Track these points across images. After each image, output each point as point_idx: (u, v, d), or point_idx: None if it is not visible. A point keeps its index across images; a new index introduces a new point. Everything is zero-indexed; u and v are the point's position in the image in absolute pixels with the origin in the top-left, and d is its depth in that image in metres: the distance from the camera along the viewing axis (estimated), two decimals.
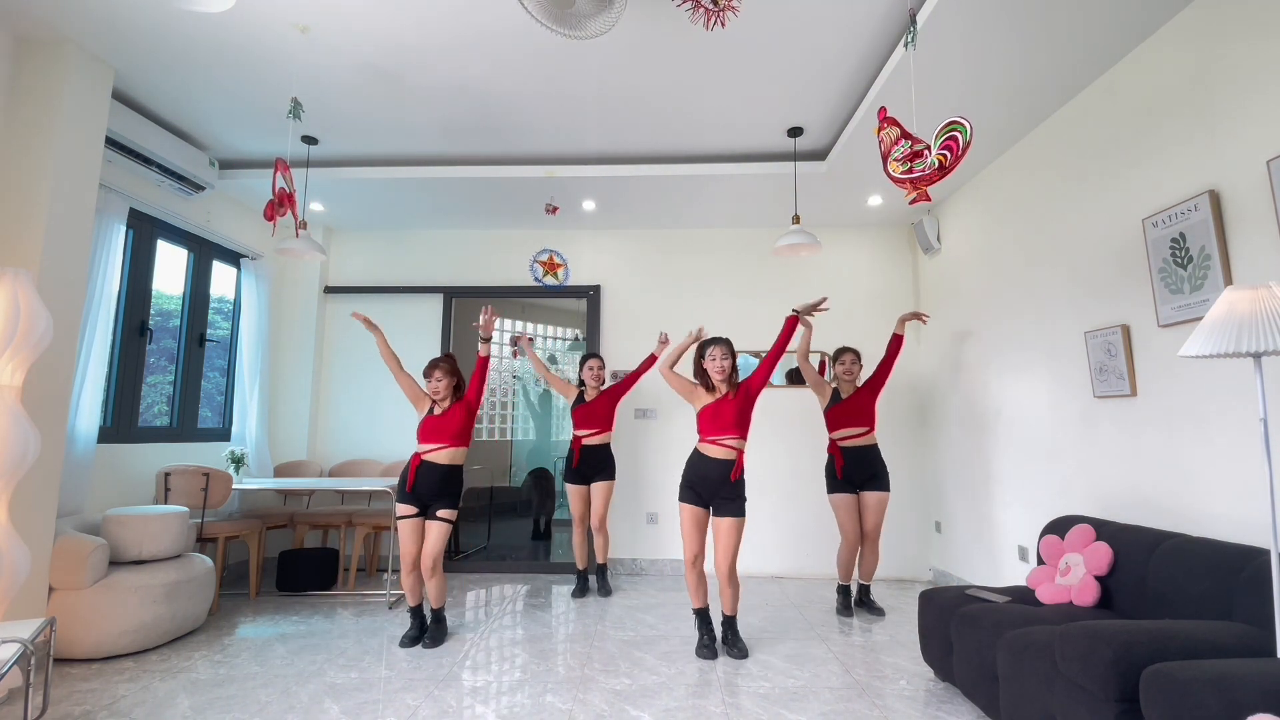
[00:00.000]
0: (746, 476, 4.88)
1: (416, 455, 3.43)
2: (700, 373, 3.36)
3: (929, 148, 2.41)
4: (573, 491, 4.35)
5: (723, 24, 2.53)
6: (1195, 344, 1.82)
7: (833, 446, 4.00)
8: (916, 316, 4.09)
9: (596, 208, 4.89)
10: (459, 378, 3.56)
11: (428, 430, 3.44)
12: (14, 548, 2.46)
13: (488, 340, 3.50)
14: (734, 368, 3.34)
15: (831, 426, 4.02)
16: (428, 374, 3.48)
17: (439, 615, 3.50)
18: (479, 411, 3.54)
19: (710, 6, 2.47)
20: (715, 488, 3.23)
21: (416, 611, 3.46)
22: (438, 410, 3.47)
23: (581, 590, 4.38)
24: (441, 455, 3.41)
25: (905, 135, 2.51)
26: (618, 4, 2.49)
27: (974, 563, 4.25)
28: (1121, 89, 2.92)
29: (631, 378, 4.41)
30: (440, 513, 3.39)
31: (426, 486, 3.39)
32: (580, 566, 4.43)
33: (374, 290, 5.36)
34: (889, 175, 2.54)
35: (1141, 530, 2.56)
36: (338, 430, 5.29)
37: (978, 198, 4.21)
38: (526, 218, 5.15)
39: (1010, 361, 3.84)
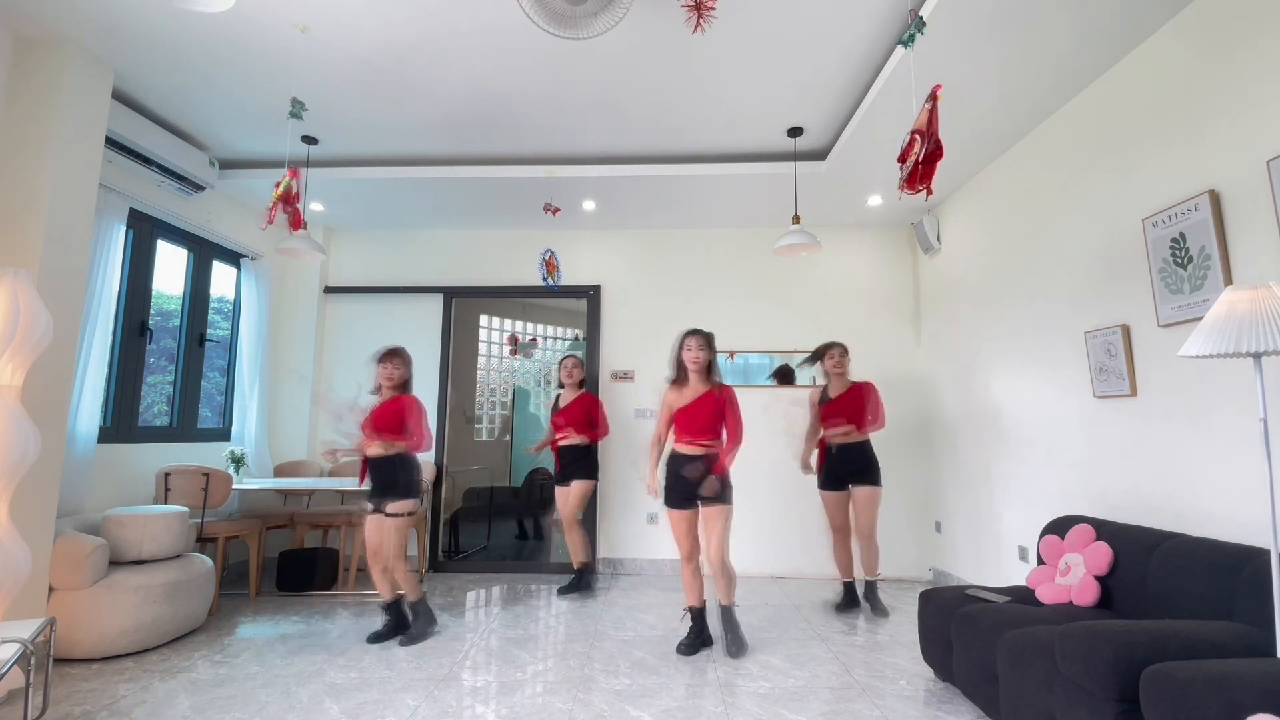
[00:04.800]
0: (748, 475, 4.93)
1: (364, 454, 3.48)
2: (679, 364, 3.36)
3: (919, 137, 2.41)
4: (557, 494, 4.42)
5: (702, 29, 2.51)
6: (1195, 344, 1.82)
7: (820, 443, 4.02)
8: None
9: (596, 208, 4.89)
10: (408, 373, 3.57)
11: (365, 423, 3.46)
12: (14, 548, 2.46)
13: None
14: (711, 363, 3.30)
15: (823, 424, 4.05)
16: (382, 361, 3.48)
17: (396, 605, 3.50)
18: (420, 435, 3.50)
19: (691, 5, 2.46)
20: (699, 485, 3.24)
21: (387, 608, 3.47)
22: (376, 400, 3.50)
23: (570, 588, 4.40)
24: (375, 448, 3.42)
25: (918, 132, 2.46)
26: (620, 5, 2.48)
27: (974, 563, 4.25)
28: (1122, 89, 2.92)
29: (603, 427, 4.53)
30: (389, 508, 3.38)
31: (376, 482, 3.43)
32: (576, 565, 4.45)
33: (374, 290, 5.36)
34: (932, 137, 2.37)
35: (1141, 530, 2.55)
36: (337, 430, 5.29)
37: (978, 197, 4.21)
38: (526, 218, 5.15)
39: (1010, 361, 3.84)
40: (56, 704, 2.61)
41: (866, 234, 5.27)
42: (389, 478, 3.41)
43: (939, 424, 4.78)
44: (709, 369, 3.31)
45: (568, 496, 4.36)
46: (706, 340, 3.31)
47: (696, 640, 3.29)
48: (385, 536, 3.37)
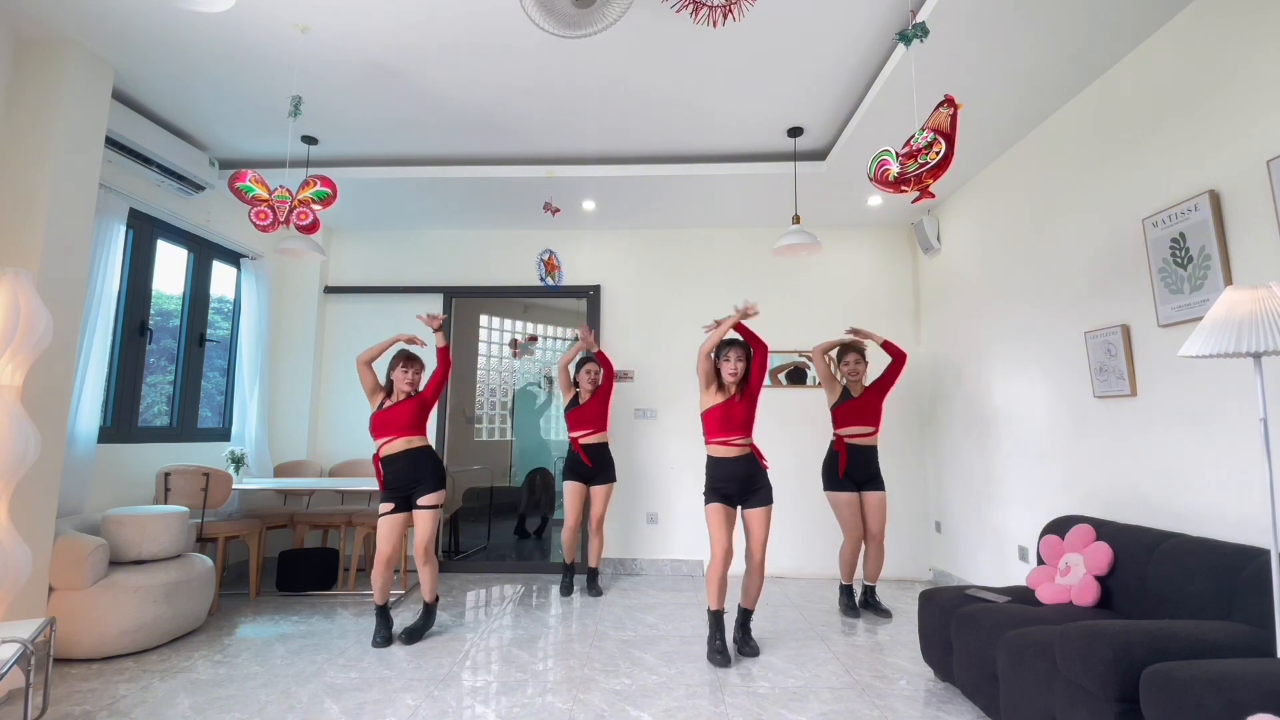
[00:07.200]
0: None
1: (376, 455, 3.46)
2: (715, 371, 3.33)
3: (928, 145, 2.40)
4: (572, 489, 4.39)
5: (736, 17, 2.50)
6: (1195, 344, 1.82)
7: (839, 443, 3.96)
8: (859, 336, 4.04)
9: (596, 208, 4.89)
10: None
11: (378, 425, 3.45)
12: (14, 548, 2.46)
13: (439, 331, 3.61)
14: (746, 372, 3.29)
15: (839, 423, 3.99)
16: (407, 366, 3.50)
17: (430, 609, 3.53)
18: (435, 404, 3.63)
19: (719, 3, 2.45)
20: (745, 483, 3.24)
21: (383, 611, 3.45)
22: (389, 403, 3.49)
23: (568, 588, 4.41)
24: (396, 445, 3.43)
25: (936, 131, 2.41)
26: (619, 3, 2.48)
27: (974, 563, 4.25)
28: (1122, 89, 2.92)
29: (606, 387, 4.52)
30: (422, 500, 3.41)
31: (398, 478, 3.42)
32: (568, 561, 4.46)
33: (374, 290, 5.36)
34: (951, 143, 2.36)
35: (1141, 530, 2.56)
36: (338, 430, 5.29)
37: (978, 197, 4.21)
38: (526, 218, 5.15)
39: (1010, 361, 3.84)
40: (56, 704, 2.61)
41: (866, 234, 5.27)
42: (419, 473, 3.44)
43: (939, 424, 4.78)
44: (744, 380, 3.31)
45: (593, 498, 4.40)
46: (745, 353, 3.30)
47: (725, 646, 3.20)
48: (421, 528, 3.39)
